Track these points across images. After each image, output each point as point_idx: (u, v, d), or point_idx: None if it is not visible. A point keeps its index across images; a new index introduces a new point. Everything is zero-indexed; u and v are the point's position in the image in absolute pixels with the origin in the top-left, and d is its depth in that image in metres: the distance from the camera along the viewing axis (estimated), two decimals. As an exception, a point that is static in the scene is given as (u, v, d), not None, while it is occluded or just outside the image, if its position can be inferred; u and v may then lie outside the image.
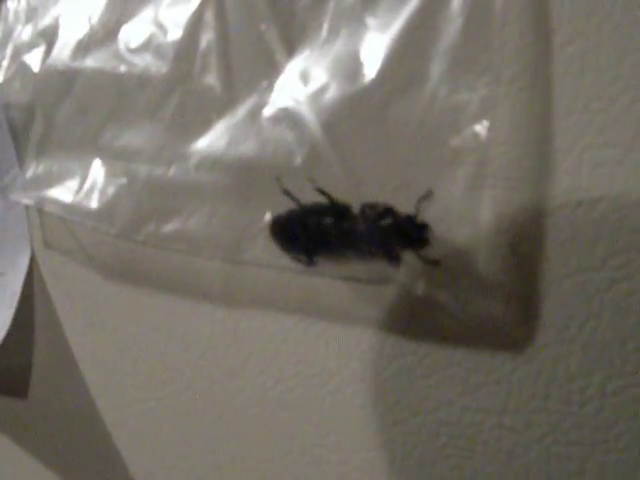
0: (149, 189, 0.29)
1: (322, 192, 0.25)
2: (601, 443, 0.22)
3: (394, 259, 0.23)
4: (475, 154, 0.22)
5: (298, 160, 0.25)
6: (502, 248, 0.22)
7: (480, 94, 0.22)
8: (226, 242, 0.28)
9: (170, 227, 0.29)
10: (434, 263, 0.23)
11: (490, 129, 0.22)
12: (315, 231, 0.25)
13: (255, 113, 0.26)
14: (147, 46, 0.30)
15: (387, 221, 0.23)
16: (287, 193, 0.25)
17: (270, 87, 0.26)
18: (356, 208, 0.24)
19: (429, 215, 0.23)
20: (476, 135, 0.22)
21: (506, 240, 0.22)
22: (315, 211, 0.25)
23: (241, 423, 0.30)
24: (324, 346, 0.27)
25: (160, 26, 0.29)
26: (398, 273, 0.24)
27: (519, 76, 0.22)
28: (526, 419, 0.23)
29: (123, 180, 0.30)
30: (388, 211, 0.23)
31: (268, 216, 0.26)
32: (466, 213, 0.23)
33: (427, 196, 0.23)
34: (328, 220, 0.24)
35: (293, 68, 0.25)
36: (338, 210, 0.24)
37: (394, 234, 0.23)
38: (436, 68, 0.22)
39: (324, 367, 0.27)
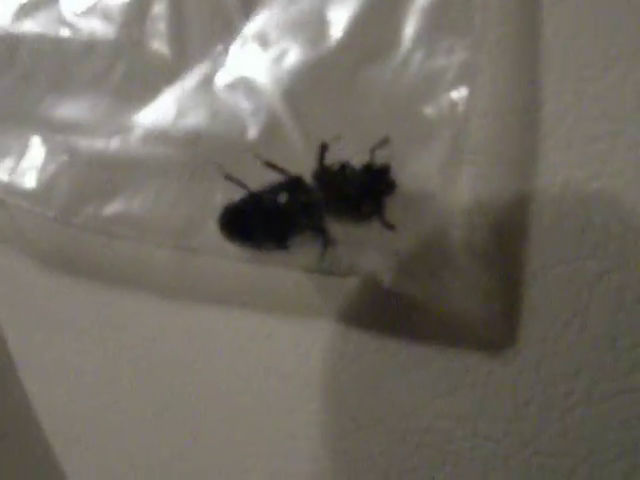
0: (89, 166, 0.26)
1: (271, 166, 0.22)
2: (588, 454, 0.19)
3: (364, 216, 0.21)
4: (452, 126, 0.19)
5: (254, 133, 0.22)
6: (480, 233, 0.20)
7: (459, 58, 0.19)
8: (173, 226, 0.25)
9: (111, 209, 0.26)
10: (391, 227, 0.21)
11: (470, 98, 0.19)
12: (270, 215, 0.22)
13: (208, 81, 0.23)
14: (93, 9, 0.27)
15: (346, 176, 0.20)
16: (231, 179, 0.22)
17: (225, 52, 0.23)
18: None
19: (399, 194, 0.21)
20: (454, 104, 0.19)
21: (485, 224, 0.20)
22: (267, 193, 0.22)
23: (190, 425, 0.27)
24: (280, 343, 0.24)
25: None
26: (365, 262, 0.21)
27: (503, 38, 0.19)
28: (504, 426, 0.20)
29: (64, 157, 0.27)
30: (343, 167, 0.21)
31: (219, 197, 0.24)
32: (441, 193, 0.20)
33: (381, 143, 0.20)
34: (283, 198, 0.22)
35: (250, 30, 0.23)
36: (290, 184, 0.22)
37: (356, 188, 0.20)
38: (409, 29, 0.20)
39: (280, 366, 0.24)
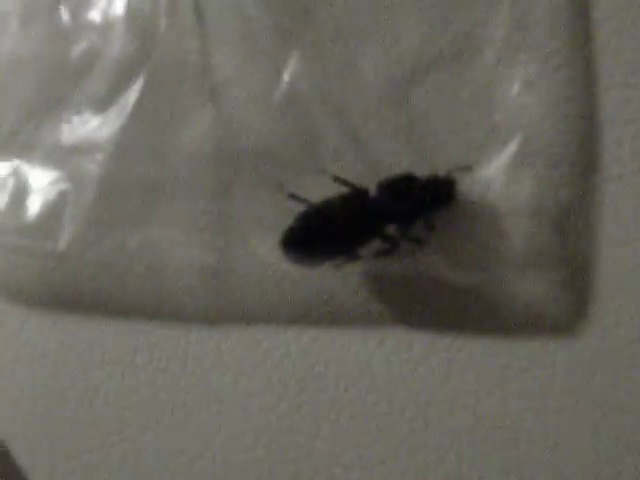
0: (107, 192, 0.24)
1: (338, 180, 0.22)
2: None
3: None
4: (520, 131, 0.21)
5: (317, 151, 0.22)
6: (544, 227, 0.22)
7: (523, 70, 0.21)
8: (213, 252, 0.24)
9: (136, 240, 0.24)
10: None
11: (534, 105, 0.21)
12: (338, 230, 0.22)
13: (254, 100, 0.23)
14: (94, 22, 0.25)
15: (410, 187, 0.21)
16: (294, 197, 0.22)
17: (277, 70, 0.23)
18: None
19: (468, 200, 0.22)
20: (521, 111, 0.21)
21: (548, 218, 0.22)
22: (332, 207, 0.22)
23: (232, 460, 0.26)
24: (338, 353, 0.24)
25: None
26: (438, 264, 0.22)
27: (558, 52, 0.21)
28: (574, 399, 0.23)
29: (64, 185, 0.25)
30: (409, 179, 0.21)
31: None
32: (508, 192, 0.22)
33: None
34: (348, 211, 0.22)
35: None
36: (356, 196, 0.22)
37: (420, 197, 0.21)
38: (477, 41, 0.21)
39: (338, 377, 0.24)
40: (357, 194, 0.22)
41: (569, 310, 0.22)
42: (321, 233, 0.22)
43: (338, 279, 0.24)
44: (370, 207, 0.22)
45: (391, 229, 0.22)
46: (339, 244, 0.22)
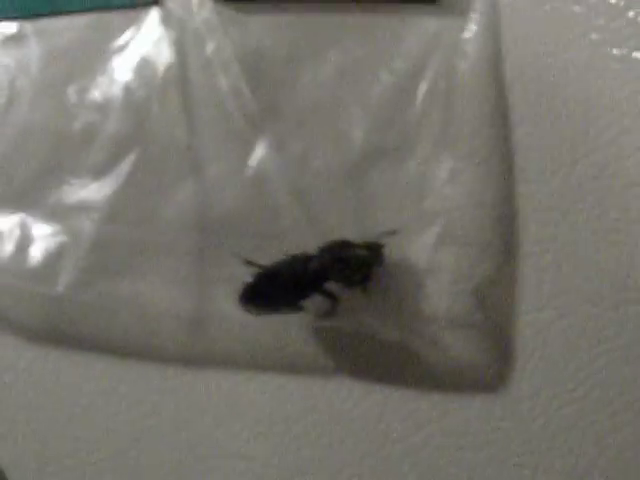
0: (100, 246, 0.29)
1: (249, 263, 0.26)
2: (551, 451, 0.27)
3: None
4: (444, 215, 0.26)
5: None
6: (464, 293, 0.26)
7: (448, 165, 0.26)
8: (191, 303, 0.28)
9: (123, 288, 0.29)
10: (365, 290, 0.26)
11: (457, 194, 0.26)
12: (284, 287, 0.26)
13: (227, 177, 0.28)
14: (93, 100, 0.29)
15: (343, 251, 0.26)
16: (249, 262, 0.26)
17: (247, 153, 0.27)
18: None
19: (399, 268, 0.26)
20: (445, 198, 0.26)
21: (467, 287, 0.26)
22: (279, 268, 0.26)
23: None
24: (287, 396, 0.28)
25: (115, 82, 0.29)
26: (372, 320, 0.27)
27: (479, 150, 0.26)
28: (486, 446, 0.27)
29: (63, 238, 0.29)
30: (344, 243, 0.26)
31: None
32: (432, 264, 0.26)
33: (389, 233, 0.26)
34: (292, 271, 0.26)
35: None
36: (301, 259, 0.26)
37: (351, 260, 0.25)
38: (409, 141, 0.26)
39: (287, 416, 0.28)
40: (302, 257, 0.26)
41: (486, 364, 0.27)
42: (270, 290, 0.26)
43: (293, 331, 0.28)
44: (311, 267, 0.26)
45: (332, 286, 0.26)
46: (285, 298, 0.27)
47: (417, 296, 0.27)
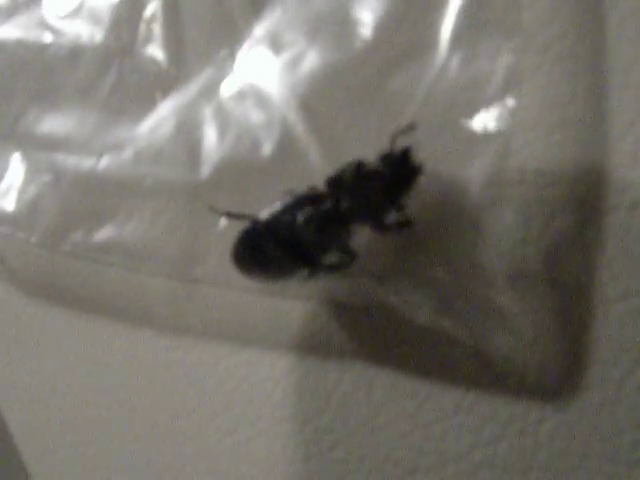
0: (78, 187, 0.24)
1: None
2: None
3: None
4: (498, 141, 0.17)
5: (267, 148, 0.20)
6: (530, 265, 0.18)
7: (504, 63, 0.17)
8: (172, 254, 0.22)
9: (102, 235, 0.23)
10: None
11: (518, 109, 0.17)
12: (290, 240, 0.19)
13: (211, 90, 0.21)
14: (79, 11, 0.24)
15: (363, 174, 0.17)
16: (232, 216, 0.20)
17: (231, 57, 0.20)
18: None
19: (435, 222, 0.18)
20: (500, 116, 0.17)
21: (536, 255, 0.17)
22: (279, 216, 0.19)
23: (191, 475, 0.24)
24: (293, 387, 0.21)
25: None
26: (389, 294, 0.19)
27: (556, 41, 0.17)
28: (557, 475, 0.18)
29: (47, 176, 0.24)
30: (358, 166, 0.18)
31: (223, 221, 0.21)
32: (483, 220, 0.18)
33: (406, 129, 0.17)
34: (300, 218, 0.19)
35: (260, 32, 0.20)
36: (307, 200, 0.19)
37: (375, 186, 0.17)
38: (446, 29, 0.17)
39: (294, 413, 0.21)
40: (309, 196, 0.19)
41: (552, 363, 0.18)
42: (269, 243, 0.19)
43: (297, 304, 0.21)
44: (323, 208, 0.18)
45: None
46: (292, 254, 0.19)
47: (466, 256, 0.18)
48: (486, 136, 0.17)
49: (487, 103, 0.17)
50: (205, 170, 0.22)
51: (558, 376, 0.18)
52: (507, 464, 0.18)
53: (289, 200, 0.19)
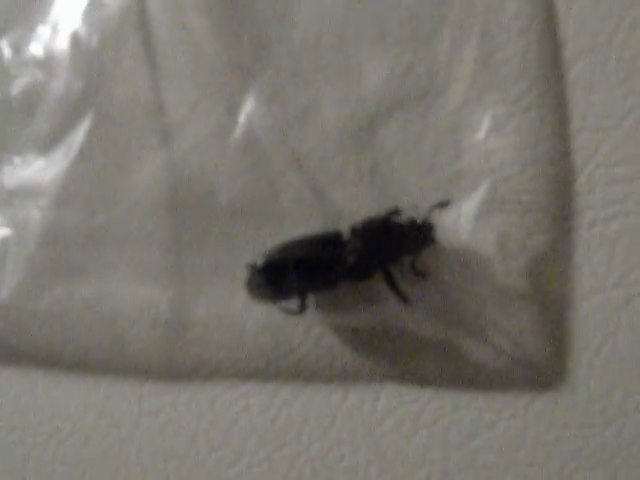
0: (52, 239, 0.23)
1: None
2: (626, 462, 0.21)
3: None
4: (488, 176, 0.20)
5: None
6: (512, 278, 0.21)
7: (490, 111, 0.20)
8: (161, 311, 0.23)
9: (86, 289, 0.23)
10: (424, 275, 0.21)
11: (497, 150, 0.20)
12: (306, 268, 0.21)
13: (208, 142, 0.22)
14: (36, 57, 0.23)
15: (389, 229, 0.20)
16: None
17: (232, 109, 0.21)
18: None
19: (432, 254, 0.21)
20: (488, 155, 0.20)
21: (517, 269, 0.21)
22: (302, 245, 0.21)
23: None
24: (300, 407, 0.23)
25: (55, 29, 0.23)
26: (393, 312, 0.21)
27: (527, 93, 0.20)
28: (545, 451, 0.22)
29: (6, 231, 0.23)
30: (386, 220, 0.20)
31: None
32: (476, 240, 0.21)
33: (444, 204, 0.20)
34: (317, 252, 0.21)
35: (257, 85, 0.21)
36: (328, 239, 0.21)
37: (397, 240, 0.20)
38: (442, 82, 0.20)
39: (300, 432, 0.23)
40: (329, 236, 0.21)
41: (544, 360, 0.21)
42: (284, 270, 0.21)
43: (300, 330, 0.23)
44: (346, 249, 0.20)
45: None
46: (299, 284, 0.21)
47: (457, 281, 0.21)
48: (480, 171, 0.20)
49: (476, 146, 0.20)
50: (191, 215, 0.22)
51: (540, 366, 0.22)
52: (502, 445, 0.22)
53: (306, 237, 0.21)
